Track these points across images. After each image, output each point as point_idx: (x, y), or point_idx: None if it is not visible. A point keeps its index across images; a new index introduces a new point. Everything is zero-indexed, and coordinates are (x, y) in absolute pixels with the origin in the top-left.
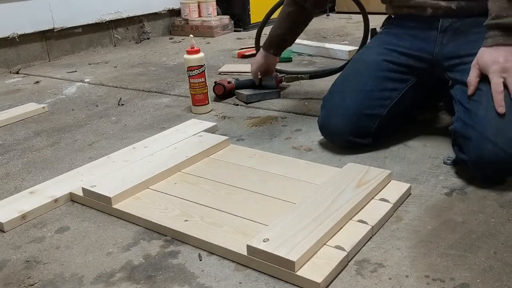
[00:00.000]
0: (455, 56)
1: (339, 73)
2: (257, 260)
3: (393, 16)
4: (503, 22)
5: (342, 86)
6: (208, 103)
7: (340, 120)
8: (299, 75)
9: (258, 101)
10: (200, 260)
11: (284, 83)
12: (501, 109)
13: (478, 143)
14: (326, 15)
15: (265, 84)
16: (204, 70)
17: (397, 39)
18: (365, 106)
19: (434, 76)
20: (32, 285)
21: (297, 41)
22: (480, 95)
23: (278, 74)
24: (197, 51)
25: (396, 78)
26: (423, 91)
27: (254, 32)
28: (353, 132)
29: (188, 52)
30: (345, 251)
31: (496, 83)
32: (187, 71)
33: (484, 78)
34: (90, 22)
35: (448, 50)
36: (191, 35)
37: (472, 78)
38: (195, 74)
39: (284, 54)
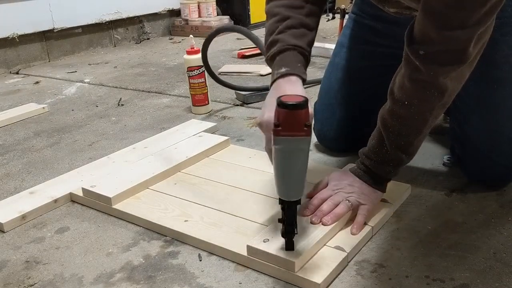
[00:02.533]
0: None
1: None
2: (257, 261)
3: None
4: (367, 164)
5: (329, 98)
6: (208, 103)
7: (335, 134)
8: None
9: (258, 101)
10: (200, 260)
11: None
12: (326, 219)
13: (474, 158)
14: (326, 15)
15: None
16: (204, 71)
17: (375, 36)
18: (357, 117)
19: None
20: (32, 285)
21: None
22: (471, 109)
23: None
24: (197, 52)
25: (383, 82)
26: None
27: (254, 32)
28: (351, 140)
29: (188, 53)
30: (345, 251)
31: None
32: (187, 71)
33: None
34: (90, 22)
35: None
36: (191, 36)
37: (317, 185)
38: (195, 75)
39: None
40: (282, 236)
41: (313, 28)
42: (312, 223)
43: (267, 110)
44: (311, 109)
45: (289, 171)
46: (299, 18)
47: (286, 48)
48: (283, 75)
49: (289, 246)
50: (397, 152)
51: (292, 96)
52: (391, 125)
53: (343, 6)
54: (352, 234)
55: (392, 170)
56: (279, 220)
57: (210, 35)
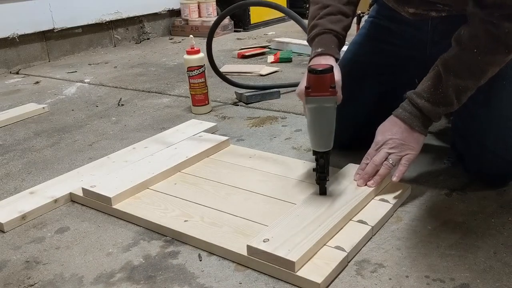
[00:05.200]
0: None
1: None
2: (257, 261)
3: None
4: (418, 103)
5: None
6: (208, 103)
7: (339, 130)
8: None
9: (258, 101)
10: (200, 260)
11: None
12: (370, 183)
13: (477, 153)
14: None
15: None
16: (204, 71)
17: (389, 35)
18: (363, 114)
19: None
20: (32, 285)
21: (297, 41)
22: (480, 104)
23: None
24: (197, 52)
25: (393, 79)
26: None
27: (254, 33)
28: (354, 138)
29: (188, 53)
30: (345, 251)
31: (378, 155)
32: (187, 71)
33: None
34: (90, 22)
35: (441, 48)
36: (191, 36)
37: (370, 151)
38: (195, 75)
39: (284, 54)
40: (316, 182)
41: (350, 15)
42: (358, 185)
43: (302, 83)
44: (337, 75)
45: (319, 126)
46: (337, 6)
47: (323, 32)
48: (319, 54)
49: (322, 191)
50: (452, 95)
51: (320, 64)
52: (454, 68)
53: (359, 12)
54: (393, 181)
55: (440, 113)
56: (314, 170)
57: (227, 10)
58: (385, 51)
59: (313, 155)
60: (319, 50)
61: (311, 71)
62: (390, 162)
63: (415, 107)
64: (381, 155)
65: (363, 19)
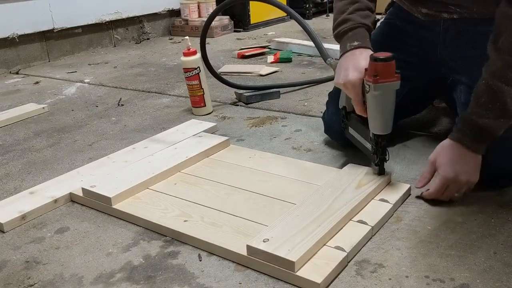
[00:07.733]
0: (459, 56)
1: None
2: (257, 261)
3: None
4: (481, 124)
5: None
6: (205, 106)
7: (340, 126)
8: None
9: (258, 101)
10: (200, 260)
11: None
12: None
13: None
14: (326, 15)
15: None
16: (198, 73)
17: (402, 34)
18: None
19: (439, 74)
20: (32, 285)
21: (297, 41)
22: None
23: None
24: (193, 53)
25: (407, 77)
26: (426, 88)
27: (254, 33)
28: None
29: (184, 54)
30: (345, 251)
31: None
32: (184, 72)
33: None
34: (90, 22)
35: (452, 50)
36: (186, 37)
37: (426, 174)
38: (190, 76)
39: (284, 54)
40: (376, 164)
41: (374, 11)
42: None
43: (350, 72)
44: None
45: (385, 111)
46: (365, 2)
47: (357, 26)
48: (356, 47)
49: (381, 171)
50: (510, 105)
51: (381, 53)
52: (506, 78)
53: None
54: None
55: (504, 126)
56: (373, 153)
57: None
58: (398, 48)
59: (374, 139)
60: (356, 43)
61: (377, 59)
62: (461, 195)
63: (478, 128)
64: (451, 192)
65: (378, 23)
